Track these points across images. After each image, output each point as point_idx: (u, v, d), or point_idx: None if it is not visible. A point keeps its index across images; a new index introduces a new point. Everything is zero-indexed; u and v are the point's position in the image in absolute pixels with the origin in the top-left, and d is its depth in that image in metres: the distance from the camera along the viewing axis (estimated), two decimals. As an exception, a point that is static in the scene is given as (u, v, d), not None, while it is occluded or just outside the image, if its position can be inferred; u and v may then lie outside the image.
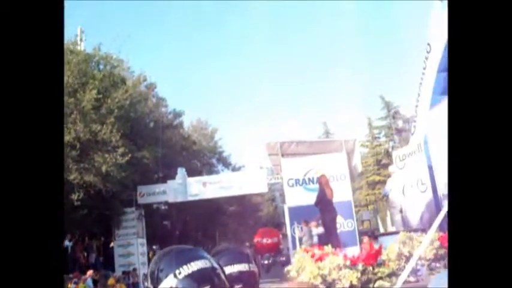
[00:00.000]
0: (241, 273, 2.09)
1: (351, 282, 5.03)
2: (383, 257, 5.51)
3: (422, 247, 5.06)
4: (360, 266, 5.26)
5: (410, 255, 5.29)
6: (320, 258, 5.67)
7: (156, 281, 1.64)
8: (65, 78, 18.72)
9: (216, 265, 1.71)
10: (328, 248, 6.12)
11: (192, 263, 1.64)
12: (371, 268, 5.30)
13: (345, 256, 5.55)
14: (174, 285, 1.60)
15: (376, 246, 6.68)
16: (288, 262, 18.89)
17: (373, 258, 5.36)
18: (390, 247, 5.63)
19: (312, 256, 5.90)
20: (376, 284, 5.26)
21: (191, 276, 1.61)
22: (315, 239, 13.17)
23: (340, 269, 5.19)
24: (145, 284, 1.71)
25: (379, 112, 46.04)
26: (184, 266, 1.62)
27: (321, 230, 12.98)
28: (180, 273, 1.60)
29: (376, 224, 25.92)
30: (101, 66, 21.23)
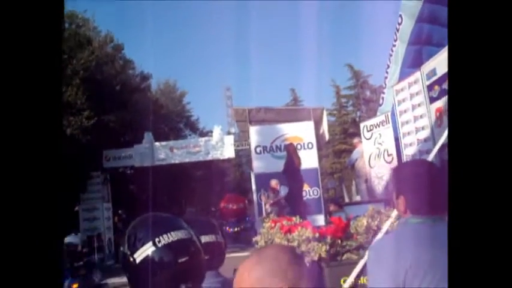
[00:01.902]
0: (209, 244, 2.10)
1: (320, 255, 5.11)
2: (351, 230, 5.60)
3: (390, 221, 5.16)
4: (329, 239, 5.34)
5: (379, 229, 5.40)
6: (289, 230, 5.74)
7: (134, 247, 1.61)
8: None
9: (194, 237, 1.69)
10: (296, 219, 6.19)
11: (172, 233, 1.61)
12: (339, 241, 5.39)
13: (314, 229, 5.62)
14: (152, 253, 1.58)
15: (342, 215, 6.80)
16: (253, 229, 19.08)
17: (342, 231, 5.44)
18: (359, 220, 5.72)
19: (281, 228, 5.96)
20: (344, 257, 5.37)
21: (170, 246, 1.59)
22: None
23: (309, 241, 5.25)
24: (121, 249, 1.67)
25: (347, 81, 46.35)
26: (164, 235, 1.60)
27: (283, 189, 13.12)
28: (159, 241, 1.58)
29: (342, 193, 26.35)
30: (66, 25, 20.56)
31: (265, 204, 14.51)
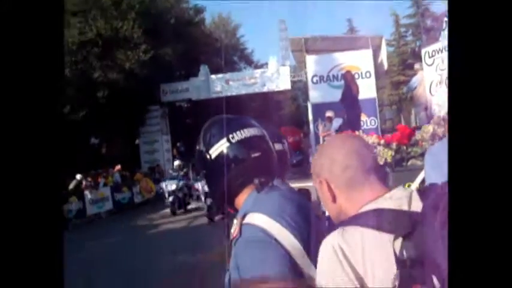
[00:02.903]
0: (279, 151, 2.09)
1: (386, 159, 5.11)
2: (417, 137, 5.54)
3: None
4: (394, 145, 5.30)
5: (444, 136, 5.27)
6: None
7: (209, 144, 1.65)
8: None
9: (266, 135, 1.71)
10: (359, 132, 6.17)
11: (245, 129, 1.64)
12: (405, 147, 5.35)
13: (379, 136, 5.59)
14: (226, 149, 1.61)
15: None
16: (308, 161, 19.13)
17: (407, 138, 5.40)
18: (425, 128, 5.63)
19: (345, 137, 5.98)
20: (410, 163, 5.34)
21: (244, 141, 1.62)
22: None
23: (375, 147, 5.25)
24: (197, 147, 1.71)
25: (407, 10, 44.38)
26: (238, 132, 1.63)
27: (340, 120, 13.04)
28: (233, 137, 1.62)
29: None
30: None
31: (322, 134, 14.46)
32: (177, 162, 17.55)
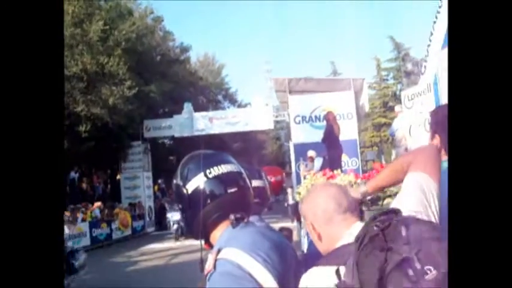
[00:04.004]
0: (255, 188, 2.11)
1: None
2: None
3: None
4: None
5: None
6: (331, 177, 5.75)
7: (186, 179, 1.68)
8: (71, 8, 18.41)
9: (243, 171, 1.74)
10: (337, 171, 6.19)
11: (222, 165, 1.67)
12: None
13: (356, 174, 5.60)
14: (203, 184, 1.64)
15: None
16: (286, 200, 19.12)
17: None
18: None
19: (324, 174, 5.98)
20: (385, 201, 5.34)
21: (221, 177, 1.65)
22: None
23: (352, 185, 5.24)
24: (175, 181, 1.73)
25: (389, 54, 45.34)
26: (215, 167, 1.66)
27: (321, 160, 13.16)
28: (210, 172, 1.64)
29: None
30: (108, -3, 20.82)
31: (303, 174, 14.51)
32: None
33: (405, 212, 1.34)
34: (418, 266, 1.12)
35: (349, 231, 1.52)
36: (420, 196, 1.56)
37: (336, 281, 1.31)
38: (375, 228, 1.25)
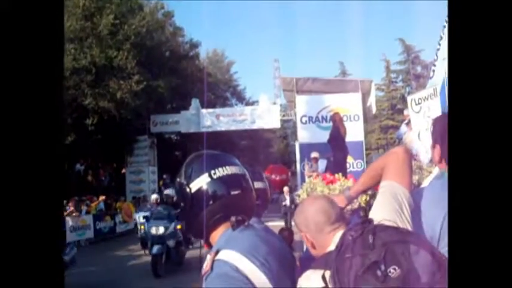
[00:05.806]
0: (259, 190, 2.13)
1: (359, 204, 5.10)
2: None
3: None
4: (370, 190, 5.31)
5: (419, 184, 5.31)
6: (331, 182, 5.75)
7: (190, 178, 1.68)
8: (82, 1, 18.49)
9: (247, 174, 1.75)
10: (338, 175, 6.17)
11: (227, 167, 1.68)
12: None
13: (355, 180, 5.58)
14: (207, 184, 1.64)
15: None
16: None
17: None
18: None
19: (323, 179, 5.97)
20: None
21: (225, 178, 1.65)
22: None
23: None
24: (178, 179, 1.74)
25: (398, 56, 45.23)
26: (220, 168, 1.66)
27: (325, 162, 13.15)
28: (215, 173, 1.65)
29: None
30: (118, -9, 20.85)
31: (307, 174, 14.49)
32: (167, 191, 14.33)
33: (381, 221, 1.55)
34: (383, 267, 1.31)
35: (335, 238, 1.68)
36: (393, 205, 1.73)
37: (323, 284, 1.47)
38: (350, 237, 1.46)
